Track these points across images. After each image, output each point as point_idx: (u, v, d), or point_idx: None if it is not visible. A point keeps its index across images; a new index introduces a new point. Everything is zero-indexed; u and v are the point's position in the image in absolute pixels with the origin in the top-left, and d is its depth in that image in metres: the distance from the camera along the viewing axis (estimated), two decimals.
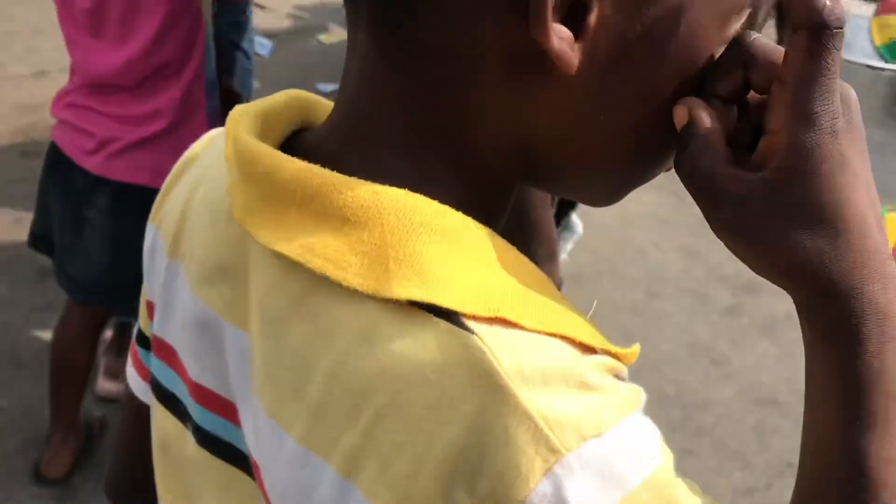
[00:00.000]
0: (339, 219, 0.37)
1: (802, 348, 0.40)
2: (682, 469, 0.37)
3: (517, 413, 0.33)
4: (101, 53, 1.69)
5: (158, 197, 0.56)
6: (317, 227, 0.38)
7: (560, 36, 0.36)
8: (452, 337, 0.35)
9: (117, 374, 2.27)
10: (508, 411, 0.33)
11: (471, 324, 0.35)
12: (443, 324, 0.35)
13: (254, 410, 0.42)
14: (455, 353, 0.34)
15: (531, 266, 0.40)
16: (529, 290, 0.38)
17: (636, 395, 0.38)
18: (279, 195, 0.39)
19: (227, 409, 0.46)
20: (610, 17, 0.37)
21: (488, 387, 0.34)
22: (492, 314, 0.35)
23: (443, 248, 0.37)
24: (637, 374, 0.38)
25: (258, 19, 3.28)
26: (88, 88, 1.74)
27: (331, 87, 5.16)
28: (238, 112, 0.45)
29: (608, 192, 0.45)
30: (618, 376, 0.38)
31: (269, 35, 4.84)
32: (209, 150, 0.53)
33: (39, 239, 1.94)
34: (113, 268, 1.80)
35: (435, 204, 0.38)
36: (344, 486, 0.36)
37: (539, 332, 0.36)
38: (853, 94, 0.38)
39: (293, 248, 0.38)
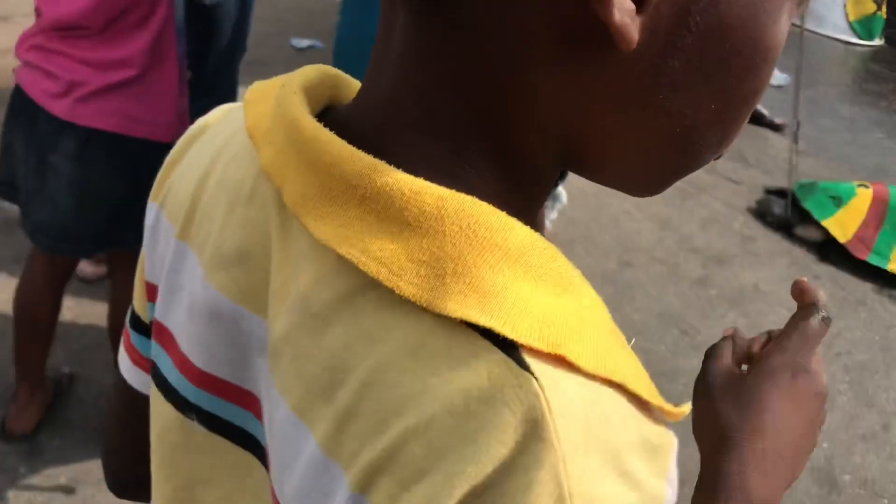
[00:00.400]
0: (400, 222, 0.35)
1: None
2: None
3: (549, 473, 0.31)
4: None
5: (161, 173, 0.53)
6: (376, 227, 0.35)
7: (622, 7, 0.33)
8: (507, 372, 0.33)
9: (100, 258, 2.45)
10: (542, 467, 0.31)
11: (529, 359, 0.33)
12: (499, 354, 0.33)
13: (273, 403, 0.40)
14: (506, 391, 0.32)
15: (592, 293, 0.38)
16: (591, 324, 0.36)
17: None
18: (342, 189, 0.36)
19: (242, 398, 0.44)
20: None
21: (531, 436, 0.32)
22: (552, 350, 0.33)
23: (505, 268, 0.34)
24: None
25: None
26: (54, 31, 1.67)
27: (305, 42, 5.06)
28: (279, 85, 0.42)
29: (655, 182, 0.42)
30: (663, 448, 0.36)
31: None
32: (223, 125, 0.49)
33: (5, 185, 1.88)
34: (79, 215, 1.77)
35: (502, 216, 0.35)
36: (357, 502, 0.34)
37: (597, 377, 0.34)
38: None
39: (348, 247, 0.36)
